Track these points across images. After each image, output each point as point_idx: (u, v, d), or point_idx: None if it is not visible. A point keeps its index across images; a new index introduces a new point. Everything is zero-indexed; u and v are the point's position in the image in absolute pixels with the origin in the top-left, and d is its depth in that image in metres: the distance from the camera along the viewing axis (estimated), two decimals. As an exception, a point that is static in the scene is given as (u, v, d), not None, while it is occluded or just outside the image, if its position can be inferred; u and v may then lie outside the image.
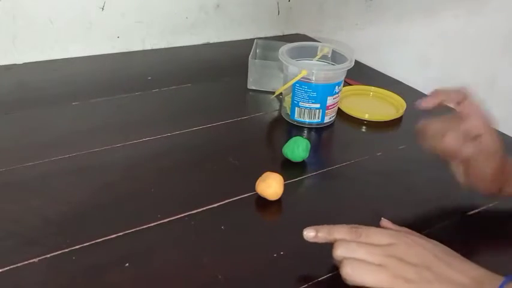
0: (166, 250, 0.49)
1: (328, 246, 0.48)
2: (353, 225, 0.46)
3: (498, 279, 0.41)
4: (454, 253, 0.45)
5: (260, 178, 0.56)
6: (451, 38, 1.46)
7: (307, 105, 0.71)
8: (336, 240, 0.45)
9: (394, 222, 0.51)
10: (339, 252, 0.44)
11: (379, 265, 0.43)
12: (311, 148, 0.64)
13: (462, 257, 0.44)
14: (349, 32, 1.24)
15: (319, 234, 0.46)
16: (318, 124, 0.73)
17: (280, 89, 0.73)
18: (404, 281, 0.42)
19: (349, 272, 0.43)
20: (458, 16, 1.44)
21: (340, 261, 0.44)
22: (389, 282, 0.42)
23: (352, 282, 0.43)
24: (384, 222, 0.50)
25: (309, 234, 0.46)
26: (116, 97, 0.78)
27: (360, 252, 0.44)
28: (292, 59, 0.71)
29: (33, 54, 0.88)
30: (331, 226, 0.47)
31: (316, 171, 0.63)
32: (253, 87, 0.84)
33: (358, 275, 0.42)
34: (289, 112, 0.73)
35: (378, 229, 0.47)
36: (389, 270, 0.43)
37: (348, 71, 0.71)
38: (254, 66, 0.82)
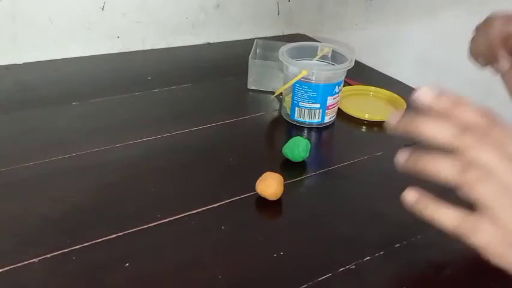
0: (166, 250, 0.49)
1: (329, 246, 0.48)
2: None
3: None
4: None
5: (260, 178, 0.56)
6: (451, 38, 1.46)
7: (307, 105, 0.71)
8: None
9: (394, 222, 0.51)
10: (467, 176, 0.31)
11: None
12: (311, 148, 0.64)
13: None
14: (349, 32, 1.24)
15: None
16: (318, 124, 0.73)
17: (280, 89, 0.73)
18: None
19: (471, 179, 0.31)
20: (458, 16, 1.44)
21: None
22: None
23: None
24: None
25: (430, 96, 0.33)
26: (115, 97, 0.78)
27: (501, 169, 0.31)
28: (292, 59, 0.71)
29: (33, 54, 0.88)
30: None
31: (316, 171, 0.63)
32: (253, 87, 0.84)
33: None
34: (289, 112, 0.73)
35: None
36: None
37: (348, 71, 0.71)
38: (254, 66, 0.82)
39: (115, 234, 0.50)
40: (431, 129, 0.32)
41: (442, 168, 0.32)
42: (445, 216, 0.33)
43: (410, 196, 0.35)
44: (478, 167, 0.31)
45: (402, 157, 0.34)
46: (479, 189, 0.31)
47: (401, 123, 0.34)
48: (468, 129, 0.31)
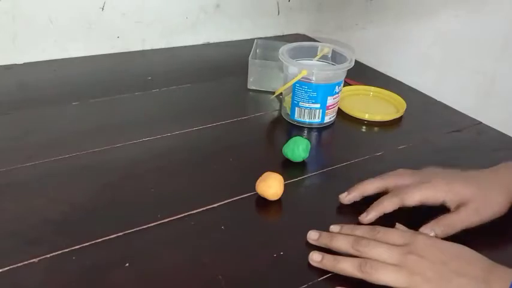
0: (166, 250, 0.49)
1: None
2: (372, 226, 0.49)
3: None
4: (473, 251, 0.45)
5: (260, 178, 0.56)
6: (451, 38, 1.46)
7: (307, 105, 0.71)
8: (355, 236, 0.47)
9: (394, 222, 0.51)
10: (358, 247, 0.46)
11: (397, 265, 0.44)
12: (311, 148, 0.64)
13: (482, 256, 0.45)
14: (349, 32, 1.24)
15: (343, 230, 0.49)
16: (318, 124, 0.73)
17: (280, 89, 0.73)
18: (422, 279, 0.42)
19: (367, 271, 0.43)
20: (458, 16, 1.44)
21: (356, 259, 0.45)
22: (407, 282, 0.43)
23: (369, 280, 0.44)
24: (398, 226, 0.51)
25: (334, 228, 0.50)
26: (115, 97, 0.78)
27: (380, 250, 0.45)
28: (292, 59, 0.71)
29: (33, 54, 0.88)
30: (352, 225, 0.50)
31: (316, 171, 0.63)
32: (253, 87, 0.84)
33: (376, 274, 0.43)
34: (289, 112, 0.73)
35: (395, 229, 0.48)
36: (407, 269, 0.43)
37: (348, 71, 0.71)
38: (254, 66, 0.82)
39: (115, 234, 0.50)
40: (337, 243, 0.47)
41: (345, 267, 0.45)
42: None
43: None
44: (371, 260, 0.44)
45: (316, 258, 0.46)
46: (375, 275, 0.43)
47: (321, 239, 0.49)
48: (360, 239, 0.46)
